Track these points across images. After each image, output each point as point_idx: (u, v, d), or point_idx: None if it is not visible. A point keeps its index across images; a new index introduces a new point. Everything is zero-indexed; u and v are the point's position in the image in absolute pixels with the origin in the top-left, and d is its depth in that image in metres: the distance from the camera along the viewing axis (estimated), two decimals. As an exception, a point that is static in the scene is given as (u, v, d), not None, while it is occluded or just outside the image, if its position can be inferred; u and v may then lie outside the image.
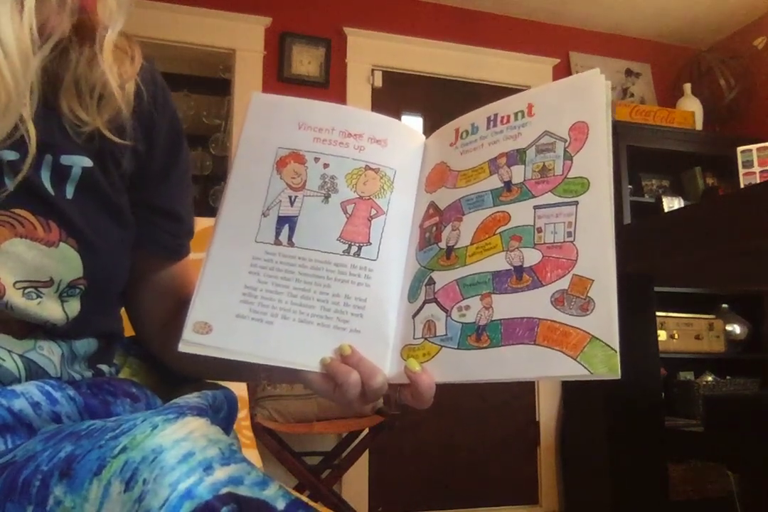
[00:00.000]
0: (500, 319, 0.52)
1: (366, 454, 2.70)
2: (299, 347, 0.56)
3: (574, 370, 0.47)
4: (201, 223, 0.75)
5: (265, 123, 0.62)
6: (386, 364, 0.55)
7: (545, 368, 0.49)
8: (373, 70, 3.19)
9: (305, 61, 3.09)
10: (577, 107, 0.55)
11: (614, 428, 1.05)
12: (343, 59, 3.16)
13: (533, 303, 0.51)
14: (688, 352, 3.01)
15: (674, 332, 3.00)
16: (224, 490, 0.42)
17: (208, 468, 0.43)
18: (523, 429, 3.13)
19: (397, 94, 3.19)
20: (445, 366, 0.53)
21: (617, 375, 0.46)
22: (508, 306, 0.52)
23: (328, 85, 3.09)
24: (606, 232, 0.50)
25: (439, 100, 3.25)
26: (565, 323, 0.49)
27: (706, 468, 2.68)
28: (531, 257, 0.52)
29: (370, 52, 3.20)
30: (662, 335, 2.96)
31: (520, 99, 0.59)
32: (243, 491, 0.43)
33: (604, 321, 0.48)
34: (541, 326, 0.50)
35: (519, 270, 0.53)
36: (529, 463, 3.12)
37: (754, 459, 1.08)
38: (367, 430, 2.34)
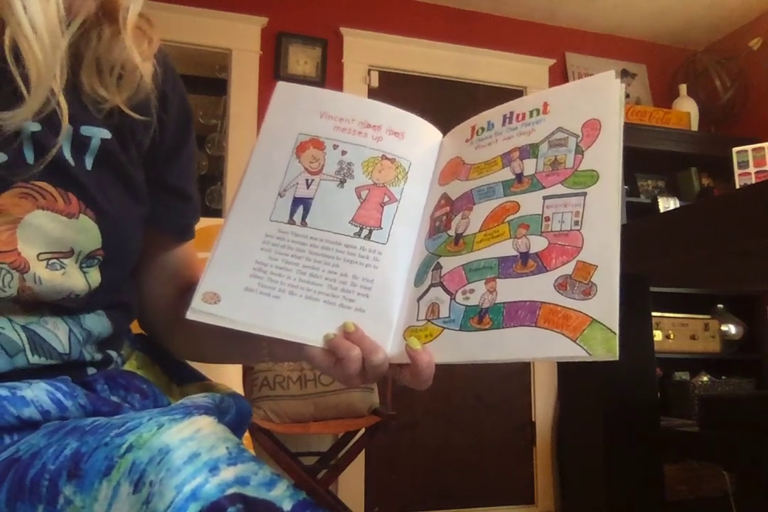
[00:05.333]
0: (503, 302, 0.53)
1: (362, 455, 2.70)
2: (304, 322, 0.57)
3: (573, 351, 0.48)
4: (198, 223, 0.76)
5: (288, 110, 0.65)
6: (388, 344, 0.57)
7: (545, 349, 0.50)
8: (369, 70, 3.19)
9: (301, 61, 3.09)
10: (591, 105, 0.57)
11: (610, 428, 1.06)
12: (339, 59, 3.16)
13: (536, 288, 0.52)
14: (683, 352, 3.02)
15: (670, 332, 3.01)
16: (230, 491, 0.42)
17: (214, 468, 0.43)
18: (519, 430, 3.14)
19: (393, 94, 3.19)
20: (446, 346, 0.54)
21: (615, 356, 0.47)
22: (511, 290, 0.53)
23: (325, 85, 3.09)
24: (612, 221, 0.52)
25: (435, 101, 3.25)
26: (566, 306, 0.50)
27: (701, 468, 2.69)
28: (537, 244, 0.54)
29: (367, 52, 3.20)
30: (658, 335, 2.96)
31: (535, 98, 0.61)
32: (249, 491, 0.43)
33: (606, 304, 0.49)
34: (542, 309, 0.51)
35: (525, 256, 0.54)
36: (526, 463, 3.12)
37: (749, 459, 1.08)
38: (363, 430, 2.34)
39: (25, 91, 0.52)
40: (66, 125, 0.55)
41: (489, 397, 3.12)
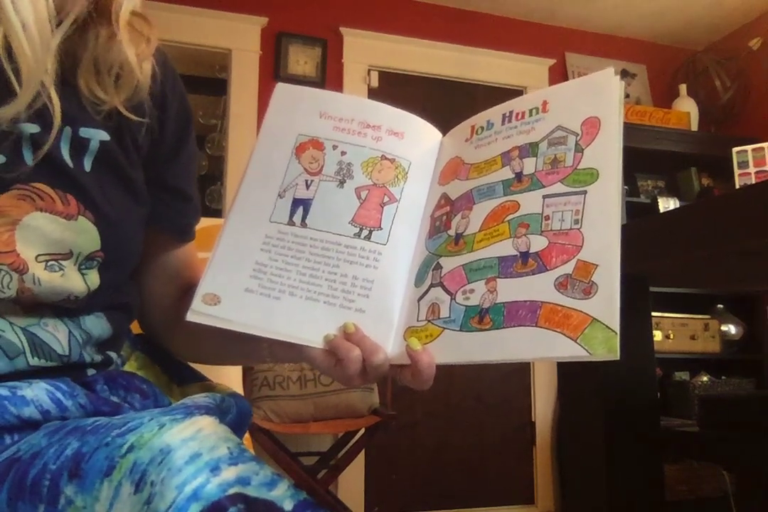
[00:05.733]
0: (503, 302, 0.53)
1: (362, 454, 2.70)
2: (304, 323, 0.57)
3: (574, 351, 0.48)
4: (200, 223, 0.76)
5: (287, 111, 0.65)
6: (389, 345, 0.57)
7: (545, 349, 0.50)
8: (369, 71, 3.19)
9: (301, 61, 3.09)
10: (590, 103, 0.57)
11: (610, 428, 1.06)
12: (339, 59, 3.16)
13: (537, 287, 0.52)
14: (683, 352, 3.02)
15: (670, 332, 3.01)
16: (232, 490, 0.42)
17: (215, 468, 0.43)
18: (519, 430, 3.14)
19: (393, 94, 3.19)
20: (447, 347, 0.54)
21: (616, 356, 0.47)
22: (511, 289, 0.53)
23: (325, 85, 3.09)
24: (613, 220, 0.52)
25: (435, 101, 3.25)
26: (567, 306, 0.50)
27: (701, 468, 2.69)
28: (537, 243, 0.54)
29: (367, 52, 3.20)
30: (658, 335, 2.96)
31: (535, 96, 0.61)
32: (250, 491, 0.43)
33: (606, 304, 0.49)
34: (543, 309, 0.51)
35: (525, 255, 0.54)
36: (525, 463, 3.12)
37: (749, 459, 1.08)
38: (363, 430, 2.34)
39: (17, 86, 0.52)
40: (59, 120, 0.55)
41: (489, 397, 3.12)
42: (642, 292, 1.10)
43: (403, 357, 0.55)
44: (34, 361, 0.56)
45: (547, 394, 3.16)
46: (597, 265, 0.50)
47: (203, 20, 2.97)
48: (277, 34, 3.07)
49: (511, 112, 0.62)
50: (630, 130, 3.06)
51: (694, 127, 3.33)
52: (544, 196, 0.55)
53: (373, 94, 3.16)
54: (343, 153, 0.62)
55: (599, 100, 0.57)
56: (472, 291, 0.55)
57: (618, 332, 0.47)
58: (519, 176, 0.58)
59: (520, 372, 3.18)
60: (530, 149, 0.58)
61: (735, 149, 1.74)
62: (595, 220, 0.52)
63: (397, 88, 3.24)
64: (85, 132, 0.59)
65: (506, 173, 0.59)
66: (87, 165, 0.59)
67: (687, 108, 3.34)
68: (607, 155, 0.54)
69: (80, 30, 0.59)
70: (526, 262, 0.53)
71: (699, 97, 3.43)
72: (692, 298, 3.07)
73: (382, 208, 0.61)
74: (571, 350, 0.48)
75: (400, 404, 2.67)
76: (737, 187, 1.66)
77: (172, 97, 0.68)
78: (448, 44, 3.29)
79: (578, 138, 0.56)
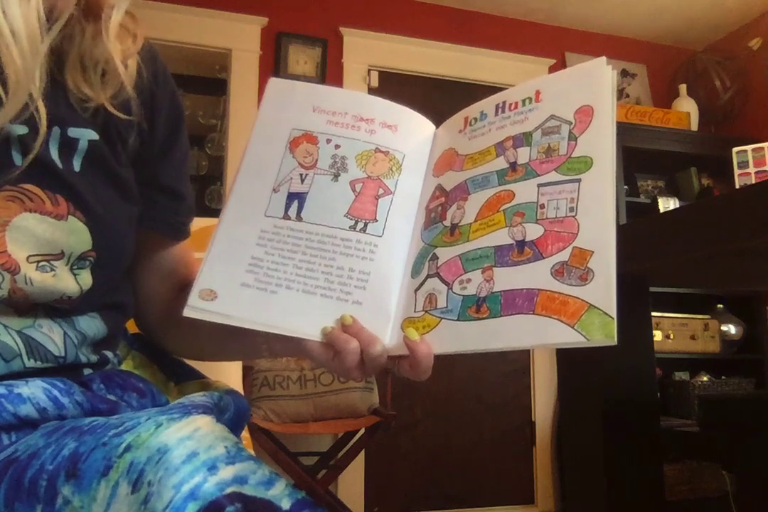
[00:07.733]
0: (500, 291, 0.53)
1: (362, 455, 2.70)
2: (301, 316, 0.57)
3: (571, 337, 0.48)
4: (198, 223, 0.75)
5: (280, 106, 0.65)
6: (386, 336, 0.57)
7: (543, 336, 0.50)
8: (369, 70, 3.19)
9: (301, 61, 3.09)
10: (583, 92, 0.57)
11: (610, 428, 1.05)
12: (339, 59, 3.16)
13: (533, 275, 0.52)
14: (683, 352, 3.02)
15: (669, 332, 3.01)
16: (229, 490, 0.42)
17: (212, 467, 0.43)
18: (519, 429, 3.14)
19: (393, 94, 3.18)
20: (445, 337, 0.54)
21: (613, 341, 0.47)
22: (508, 278, 0.53)
23: (324, 85, 3.09)
24: (607, 206, 0.52)
25: (435, 101, 3.25)
26: (564, 293, 0.50)
27: (701, 468, 2.69)
28: (533, 231, 0.54)
29: (367, 52, 3.20)
30: (658, 335, 2.96)
31: (528, 86, 0.62)
32: (248, 490, 0.43)
33: (603, 290, 0.49)
34: (540, 296, 0.51)
35: (521, 244, 0.54)
36: (525, 463, 3.12)
37: (749, 458, 1.08)
38: (363, 430, 2.34)
39: (3, 96, 0.51)
40: (44, 130, 0.54)
41: (489, 397, 3.12)
42: (642, 292, 1.10)
43: (401, 347, 0.55)
44: (30, 363, 0.56)
45: (547, 394, 3.16)
46: (592, 252, 0.50)
47: (203, 20, 2.97)
48: (277, 34, 3.07)
49: (504, 103, 0.62)
50: (630, 130, 3.07)
51: (694, 127, 3.33)
52: (539, 185, 0.55)
53: (373, 93, 3.15)
54: (337, 146, 0.62)
55: (592, 88, 0.57)
56: (468, 280, 0.55)
57: (615, 317, 0.47)
58: (513, 166, 0.58)
59: (520, 372, 3.18)
60: (524, 139, 0.58)
61: (735, 149, 1.73)
62: (589, 207, 0.52)
63: (397, 88, 3.24)
64: (73, 132, 0.59)
65: (500, 163, 0.59)
66: (76, 165, 0.59)
67: (687, 108, 3.34)
68: (600, 143, 0.54)
69: (68, 27, 0.58)
70: (522, 251, 0.53)
71: (699, 97, 3.43)
72: (692, 298, 3.07)
73: (377, 200, 0.61)
74: (568, 336, 0.48)
75: (400, 404, 2.67)
76: (737, 187, 1.66)
77: (162, 93, 0.67)
78: (448, 44, 3.29)
79: (572, 126, 0.56)
